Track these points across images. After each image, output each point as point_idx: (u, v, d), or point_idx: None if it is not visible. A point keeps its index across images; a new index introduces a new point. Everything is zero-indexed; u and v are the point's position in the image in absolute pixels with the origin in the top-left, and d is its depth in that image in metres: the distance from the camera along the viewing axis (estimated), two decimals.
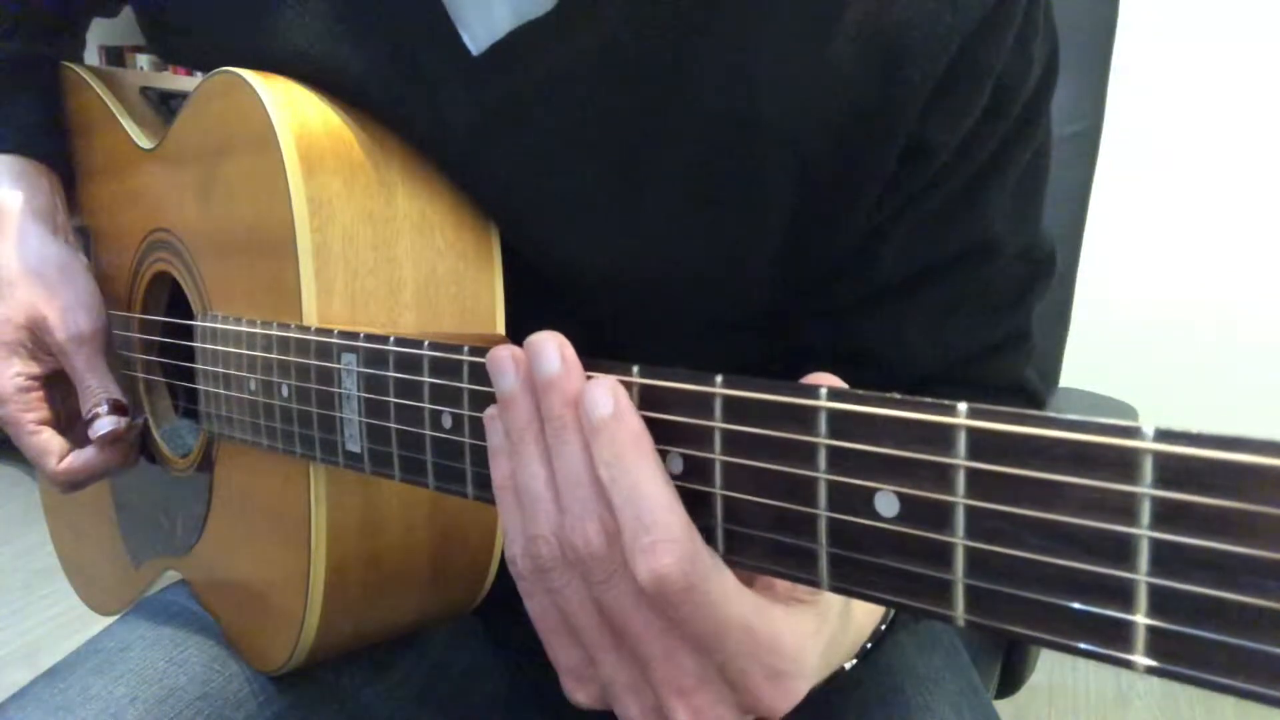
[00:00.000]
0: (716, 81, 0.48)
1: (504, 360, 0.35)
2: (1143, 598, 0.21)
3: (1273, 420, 1.58)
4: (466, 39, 0.50)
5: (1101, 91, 0.78)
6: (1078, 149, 0.79)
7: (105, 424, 0.61)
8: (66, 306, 0.63)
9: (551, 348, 0.34)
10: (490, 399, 0.36)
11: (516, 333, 0.54)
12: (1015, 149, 0.51)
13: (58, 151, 0.70)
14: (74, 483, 0.63)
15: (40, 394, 0.64)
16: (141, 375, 0.67)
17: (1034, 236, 0.55)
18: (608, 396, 0.32)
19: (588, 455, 0.32)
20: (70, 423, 0.66)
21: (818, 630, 0.34)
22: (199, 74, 0.58)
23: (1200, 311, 1.61)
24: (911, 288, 0.53)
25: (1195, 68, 1.52)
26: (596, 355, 0.34)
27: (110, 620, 0.63)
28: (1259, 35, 1.48)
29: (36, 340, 0.63)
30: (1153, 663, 0.21)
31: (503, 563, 0.56)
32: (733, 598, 0.31)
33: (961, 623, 0.24)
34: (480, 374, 0.37)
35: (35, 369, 0.64)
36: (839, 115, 0.47)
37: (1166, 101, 1.54)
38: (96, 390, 0.62)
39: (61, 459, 0.62)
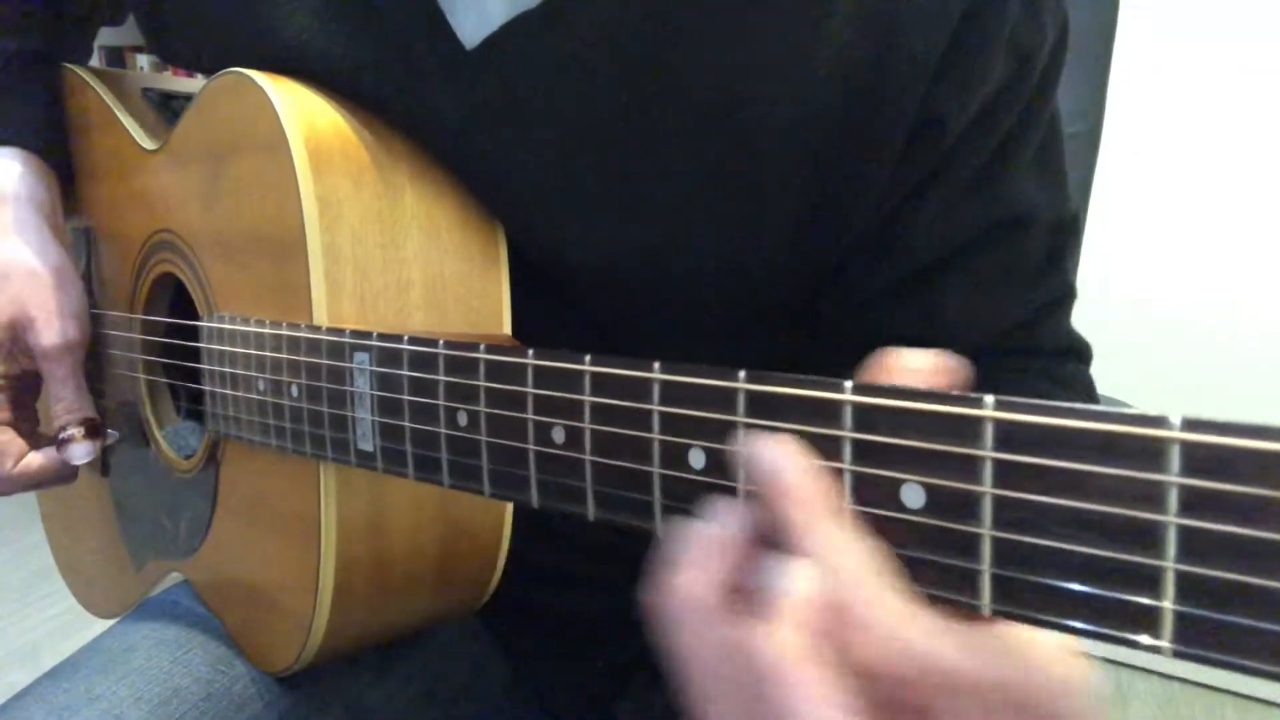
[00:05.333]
0: (711, 69, 0.47)
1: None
2: (1170, 584, 0.22)
3: (1274, 421, 1.58)
4: (459, 33, 0.50)
5: (1101, 91, 0.78)
6: (1078, 149, 0.79)
7: (80, 451, 0.61)
8: (59, 313, 0.62)
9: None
10: (502, 394, 0.36)
11: (523, 333, 0.54)
12: (1034, 118, 0.50)
13: (58, 149, 0.70)
14: (26, 487, 0.63)
15: (6, 395, 0.63)
16: (144, 376, 0.67)
17: (1063, 205, 0.54)
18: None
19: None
20: (32, 426, 0.65)
21: None
22: (200, 76, 0.58)
23: (1201, 311, 1.62)
24: (946, 267, 0.51)
25: (1195, 68, 1.53)
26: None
27: (111, 621, 0.63)
28: (1259, 35, 1.49)
29: (16, 340, 0.63)
30: (1180, 648, 0.22)
31: (508, 563, 0.56)
32: None
33: (989, 612, 0.24)
34: (496, 371, 0.37)
35: (7, 369, 0.63)
36: (839, 97, 0.47)
37: (1166, 101, 1.54)
38: (73, 406, 0.61)
39: (17, 462, 0.62)
